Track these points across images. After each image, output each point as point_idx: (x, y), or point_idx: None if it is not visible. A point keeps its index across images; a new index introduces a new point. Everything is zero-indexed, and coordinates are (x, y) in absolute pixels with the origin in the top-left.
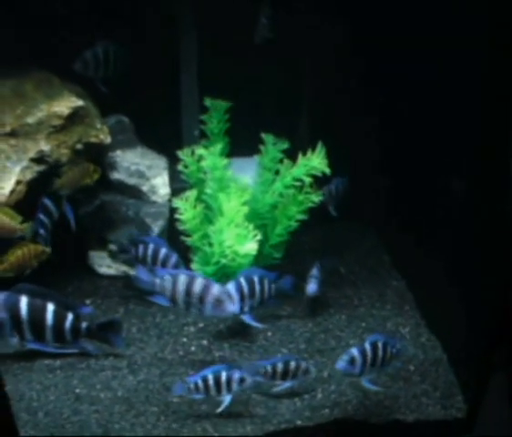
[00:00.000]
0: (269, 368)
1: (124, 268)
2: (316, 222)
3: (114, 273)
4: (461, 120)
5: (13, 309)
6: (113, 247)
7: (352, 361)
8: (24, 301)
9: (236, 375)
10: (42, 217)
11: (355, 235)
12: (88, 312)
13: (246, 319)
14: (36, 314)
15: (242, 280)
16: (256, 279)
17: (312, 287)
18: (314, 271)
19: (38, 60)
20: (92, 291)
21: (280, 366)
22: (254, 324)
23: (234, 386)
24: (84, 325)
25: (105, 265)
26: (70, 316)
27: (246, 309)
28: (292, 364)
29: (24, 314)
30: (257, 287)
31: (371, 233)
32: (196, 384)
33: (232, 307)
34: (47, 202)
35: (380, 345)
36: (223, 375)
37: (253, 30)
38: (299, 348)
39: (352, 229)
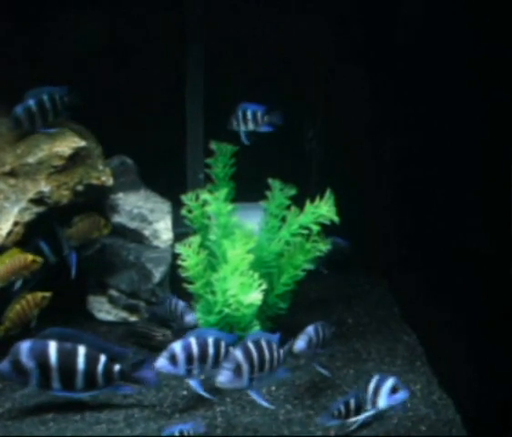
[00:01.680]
0: None
1: (123, 314)
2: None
3: (113, 319)
4: (476, 174)
5: (40, 357)
6: (113, 292)
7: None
8: (52, 347)
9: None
10: None
11: (365, 284)
12: (122, 353)
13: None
14: (67, 360)
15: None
16: (264, 344)
17: (299, 343)
18: (309, 329)
19: None
20: None
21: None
22: (263, 403)
23: None
24: (117, 368)
25: (104, 310)
26: (103, 359)
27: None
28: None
29: (53, 361)
30: (266, 354)
31: (381, 283)
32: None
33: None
34: (43, 245)
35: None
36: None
37: None
38: (304, 404)
39: (362, 279)
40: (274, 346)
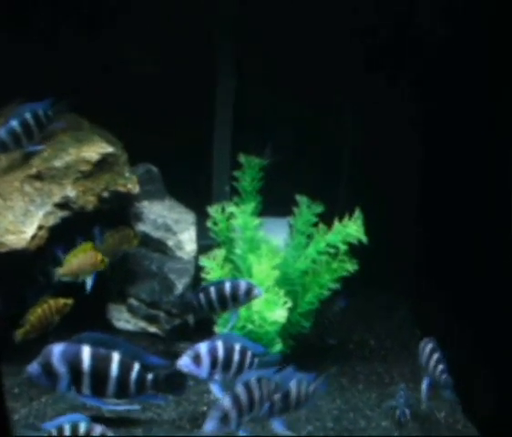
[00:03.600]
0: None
1: (142, 324)
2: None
3: (132, 328)
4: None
5: (73, 362)
6: (133, 301)
7: None
8: (86, 352)
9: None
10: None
11: (387, 306)
12: (156, 362)
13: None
14: (100, 366)
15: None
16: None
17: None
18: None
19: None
20: None
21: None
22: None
23: None
24: (150, 376)
25: (123, 319)
26: (137, 367)
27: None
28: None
29: (85, 367)
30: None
31: (403, 305)
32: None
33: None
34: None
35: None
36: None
37: None
38: (326, 426)
39: (383, 300)
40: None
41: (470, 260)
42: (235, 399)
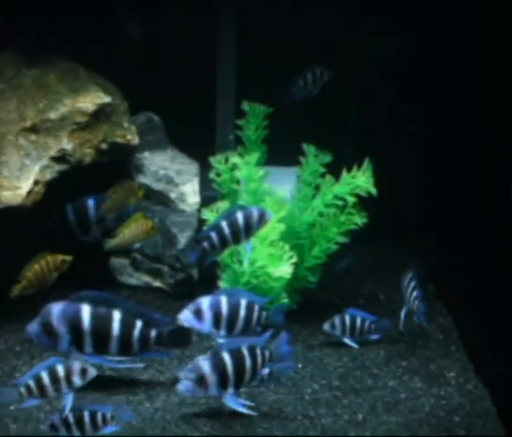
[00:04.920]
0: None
1: (146, 278)
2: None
3: (135, 283)
4: None
5: (73, 321)
6: (136, 255)
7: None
8: (86, 311)
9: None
10: None
11: (398, 259)
12: (159, 319)
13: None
14: (101, 324)
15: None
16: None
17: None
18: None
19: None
20: None
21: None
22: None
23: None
24: (154, 333)
25: (126, 274)
26: (139, 324)
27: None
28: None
29: (86, 325)
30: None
31: (412, 259)
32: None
33: None
34: (71, 216)
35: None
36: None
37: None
38: (331, 384)
39: (394, 253)
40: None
41: (479, 214)
42: (215, 362)
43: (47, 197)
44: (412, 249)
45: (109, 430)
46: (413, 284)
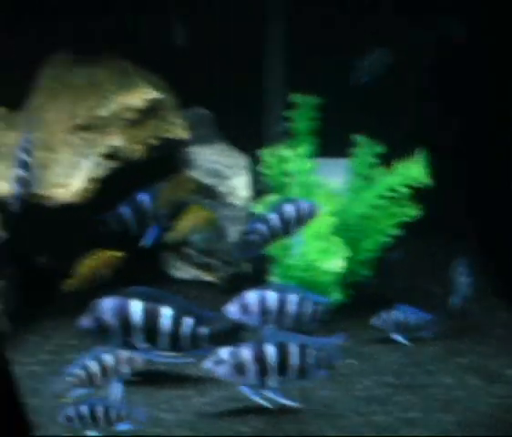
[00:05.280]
0: None
1: (197, 272)
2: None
3: (187, 277)
4: None
5: (124, 316)
6: (187, 249)
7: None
8: (136, 306)
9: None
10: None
11: (455, 253)
12: (210, 316)
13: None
14: (151, 320)
15: None
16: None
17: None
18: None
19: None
20: None
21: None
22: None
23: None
24: (204, 331)
25: (178, 268)
26: (190, 321)
27: None
28: None
29: (136, 321)
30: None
31: (467, 250)
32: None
33: None
34: (127, 213)
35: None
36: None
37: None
38: (384, 381)
39: (451, 246)
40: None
41: None
42: (256, 351)
43: (100, 194)
44: (469, 242)
45: (123, 427)
46: (460, 270)
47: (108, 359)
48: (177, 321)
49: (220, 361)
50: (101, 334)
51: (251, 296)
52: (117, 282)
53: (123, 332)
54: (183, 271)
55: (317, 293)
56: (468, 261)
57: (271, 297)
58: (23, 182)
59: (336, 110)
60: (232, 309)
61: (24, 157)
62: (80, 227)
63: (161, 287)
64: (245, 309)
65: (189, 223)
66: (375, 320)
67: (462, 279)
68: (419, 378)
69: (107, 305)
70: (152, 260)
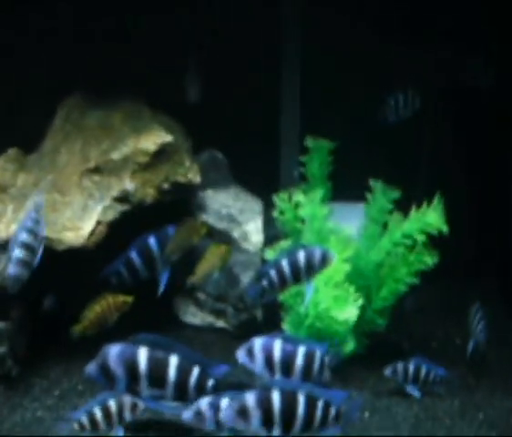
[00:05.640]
0: None
1: (210, 318)
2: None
3: (199, 323)
4: None
5: (130, 364)
6: (200, 295)
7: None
8: (143, 354)
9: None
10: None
11: (476, 297)
12: (217, 369)
13: None
14: (157, 369)
15: None
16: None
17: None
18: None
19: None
20: None
21: None
22: None
23: None
24: (211, 383)
25: (190, 313)
26: (196, 371)
27: None
28: None
29: (142, 369)
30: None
31: (495, 295)
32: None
33: None
34: (136, 258)
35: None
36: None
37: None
38: (401, 436)
39: (472, 290)
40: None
41: None
42: (261, 398)
43: (110, 237)
44: (495, 289)
45: None
46: (478, 316)
47: (113, 405)
48: (182, 371)
49: (199, 412)
50: (107, 382)
51: (258, 342)
52: (127, 327)
53: (128, 380)
54: (196, 317)
55: (328, 344)
56: (485, 306)
57: (278, 346)
58: (23, 264)
59: (351, 153)
60: (240, 355)
61: (25, 238)
62: (90, 270)
63: (173, 332)
64: (251, 354)
65: (210, 263)
66: (389, 371)
67: (479, 325)
68: (437, 433)
69: (113, 352)
70: (164, 305)
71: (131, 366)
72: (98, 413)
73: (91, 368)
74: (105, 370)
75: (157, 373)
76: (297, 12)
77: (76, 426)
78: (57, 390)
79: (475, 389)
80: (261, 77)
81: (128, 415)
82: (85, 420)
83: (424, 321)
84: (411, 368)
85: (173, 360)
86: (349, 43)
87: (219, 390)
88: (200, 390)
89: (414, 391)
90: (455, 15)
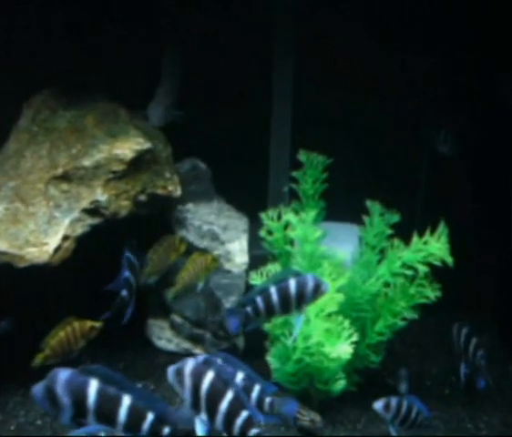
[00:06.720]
0: None
1: (186, 345)
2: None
3: (174, 349)
4: None
5: (77, 394)
6: (176, 318)
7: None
8: (93, 387)
9: None
10: (128, 274)
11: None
12: (175, 415)
13: None
14: (107, 406)
15: None
16: None
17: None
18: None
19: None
20: (146, 370)
21: None
22: None
23: None
24: (166, 431)
25: (165, 338)
26: (150, 416)
27: None
28: None
29: (91, 403)
30: None
31: (492, 332)
32: None
33: None
34: (130, 256)
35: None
36: None
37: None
38: None
39: (469, 325)
40: None
41: None
42: None
43: (77, 254)
44: (491, 324)
45: None
46: (474, 342)
47: None
48: (134, 414)
49: None
50: (52, 407)
51: (188, 365)
52: (94, 353)
53: (75, 411)
54: (171, 343)
55: (319, 378)
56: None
57: (208, 372)
58: None
59: (345, 171)
60: (170, 373)
61: None
62: (54, 291)
63: (144, 359)
64: (180, 378)
65: (190, 274)
66: (379, 405)
67: (470, 344)
68: None
69: (61, 377)
70: (138, 327)
71: (79, 397)
72: None
73: (38, 389)
74: (51, 395)
75: (106, 411)
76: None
77: None
78: (13, 424)
79: (472, 433)
80: (250, 80)
81: None
82: None
83: (420, 355)
84: (403, 407)
85: (126, 400)
86: (346, 53)
87: None
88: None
89: (395, 433)
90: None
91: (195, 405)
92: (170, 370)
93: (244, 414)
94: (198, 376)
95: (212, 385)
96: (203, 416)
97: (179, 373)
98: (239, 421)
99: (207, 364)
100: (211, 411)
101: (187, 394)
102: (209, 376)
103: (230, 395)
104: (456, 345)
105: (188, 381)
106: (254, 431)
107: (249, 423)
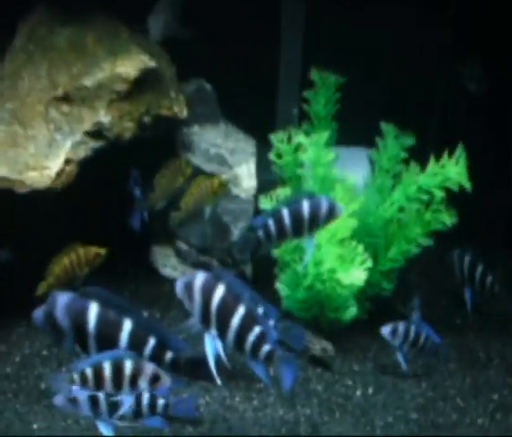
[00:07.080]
0: None
1: (191, 272)
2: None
3: (179, 276)
4: None
5: (77, 318)
6: (182, 245)
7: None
8: (93, 311)
9: None
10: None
11: (484, 263)
12: (177, 343)
13: None
14: (108, 331)
15: None
16: None
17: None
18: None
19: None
20: (151, 298)
21: None
22: None
23: None
24: (169, 355)
25: (169, 265)
26: (152, 341)
27: None
28: None
29: (91, 327)
30: None
31: (506, 262)
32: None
33: None
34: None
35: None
36: None
37: None
38: (407, 417)
39: (488, 257)
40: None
41: None
42: None
43: (80, 179)
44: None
45: None
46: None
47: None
48: (136, 339)
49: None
50: (53, 332)
51: (198, 279)
52: (99, 281)
53: (75, 336)
54: (176, 270)
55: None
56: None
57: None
58: None
59: (360, 92)
60: (178, 286)
61: None
62: (56, 216)
63: (149, 287)
64: (190, 292)
65: (199, 195)
66: (386, 330)
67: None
68: (449, 415)
69: (61, 301)
70: (142, 254)
71: (79, 321)
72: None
73: (38, 314)
74: (51, 319)
75: (107, 335)
76: None
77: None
78: (18, 356)
79: (486, 366)
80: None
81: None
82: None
83: (433, 286)
84: (412, 332)
85: (127, 325)
86: None
87: (177, 368)
88: (157, 363)
89: (403, 361)
90: None
91: (205, 321)
92: (179, 283)
93: (257, 330)
94: (208, 290)
95: (223, 299)
96: (213, 332)
97: (189, 287)
98: (251, 338)
99: (217, 278)
100: (222, 327)
101: (196, 309)
102: (220, 290)
103: (241, 310)
104: (459, 272)
105: (197, 296)
106: (267, 347)
107: (262, 340)
